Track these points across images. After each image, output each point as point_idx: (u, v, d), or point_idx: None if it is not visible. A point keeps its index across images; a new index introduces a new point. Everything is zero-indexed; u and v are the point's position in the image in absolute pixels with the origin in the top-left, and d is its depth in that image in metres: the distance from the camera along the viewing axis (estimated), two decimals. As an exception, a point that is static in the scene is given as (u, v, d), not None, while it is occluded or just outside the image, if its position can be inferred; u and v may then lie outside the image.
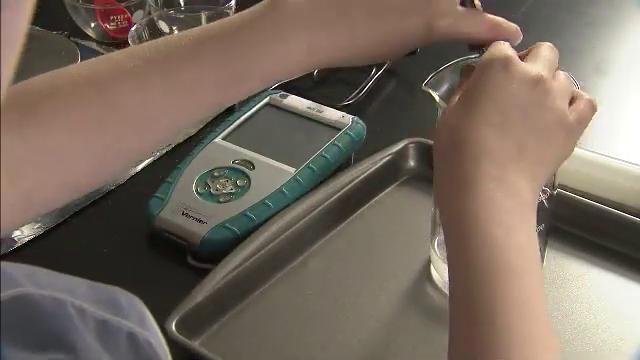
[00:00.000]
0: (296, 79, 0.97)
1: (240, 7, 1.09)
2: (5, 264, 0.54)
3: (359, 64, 0.68)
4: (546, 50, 0.63)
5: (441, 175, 0.59)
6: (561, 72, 0.63)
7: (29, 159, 0.57)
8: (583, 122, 0.62)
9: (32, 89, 0.59)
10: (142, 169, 0.93)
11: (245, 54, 0.62)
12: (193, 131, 0.98)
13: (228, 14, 1.08)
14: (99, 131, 0.60)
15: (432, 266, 0.78)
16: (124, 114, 0.60)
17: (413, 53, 1.04)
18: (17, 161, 0.56)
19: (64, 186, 0.60)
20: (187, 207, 0.83)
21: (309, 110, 0.94)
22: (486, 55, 0.61)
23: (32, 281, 0.52)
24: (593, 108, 0.63)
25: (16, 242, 0.83)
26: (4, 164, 0.54)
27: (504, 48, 0.62)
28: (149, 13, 1.11)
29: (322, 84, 1.02)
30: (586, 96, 0.63)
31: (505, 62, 0.59)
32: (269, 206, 0.83)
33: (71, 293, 0.51)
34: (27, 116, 0.57)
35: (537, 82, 0.59)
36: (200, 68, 0.61)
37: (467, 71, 0.64)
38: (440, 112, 0.68)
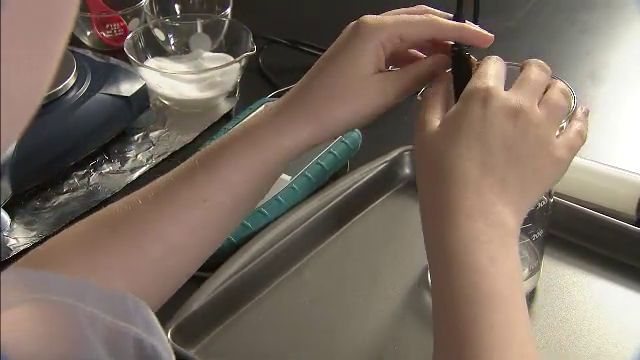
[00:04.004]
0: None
1: (236, 13, 1.10)
2: (19, 270, 0.55)
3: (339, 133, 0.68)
4: (534, 72, 0.62)
5: (425, 198, 0.61)
6: (557, 87, 0.63)
7: None
8: (571, 150, 0.62)
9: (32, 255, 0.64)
10: (139, 177, 0.93)
11: (219, 165, 0.64)
12: (189, 139, 0.98)
13: (224, 22, 1.08)
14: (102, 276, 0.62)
15: (429, 273, 0.78)
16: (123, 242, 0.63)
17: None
18: None
19: None
20: (183, 215, 0.83)
21: (305, 118, 0.94)
22: (468, 86, 0.61)
23: (44, 287, 0.53)
24: (582, 138, 0.63)
25: (12, 250, 0.83)
26: None
27: (489, 73, 0.61)
28: (145, 21, 1.12)
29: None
30: (576, 126, 0.63)
31: (485, 95, 0.59)
32: (265, 214, 0.83)
33: (82, 298, 0.52)
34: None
35: (517, 113, 0.59)
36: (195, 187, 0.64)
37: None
38: None
